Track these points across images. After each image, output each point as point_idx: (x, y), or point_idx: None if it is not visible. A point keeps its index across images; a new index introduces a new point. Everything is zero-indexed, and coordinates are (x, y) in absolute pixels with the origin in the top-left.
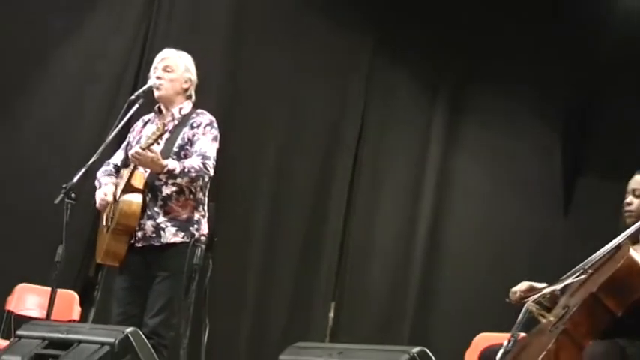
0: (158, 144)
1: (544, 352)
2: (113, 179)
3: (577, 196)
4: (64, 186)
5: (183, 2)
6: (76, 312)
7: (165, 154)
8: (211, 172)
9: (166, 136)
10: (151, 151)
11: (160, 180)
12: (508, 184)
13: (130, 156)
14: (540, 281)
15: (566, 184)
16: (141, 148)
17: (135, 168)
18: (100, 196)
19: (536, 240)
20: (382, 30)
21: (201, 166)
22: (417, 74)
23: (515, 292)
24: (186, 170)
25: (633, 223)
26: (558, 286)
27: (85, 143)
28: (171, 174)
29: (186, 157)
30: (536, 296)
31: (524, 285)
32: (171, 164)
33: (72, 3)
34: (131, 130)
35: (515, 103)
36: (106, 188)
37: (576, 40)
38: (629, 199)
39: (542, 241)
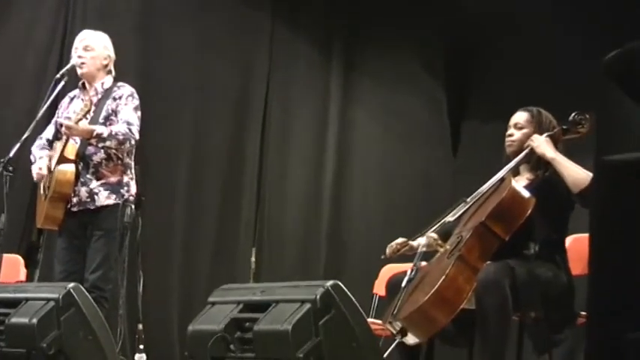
0: (87, 118)
1: (443, 276)
2: (46, 152)
3: (463, 140)
4: (1, 160)
5: None
6: (22, 274)
7: (93, 125)
8: (137, 136)
9: (92, 109)
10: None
11: (90, 149)
12: (401, 133)
13: (62, 130)
14: (432, 214)
15: (452, 129)
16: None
17: (67, 140)
18: (35, 170)
19: (429, 181)
20: None
21: (127, 130)
22: (313, 38)
23: (392, 246)
24: (113, 133)
25: (514, 152)
26: (451, 218)
27: (16, 120)
28: (100, 137)
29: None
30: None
31: (399, 240)
32: (99, 129)
33: None
34: (59, 106)
35: (402, 60)
36: (40, 162)
37: None
38: (511, 131)
39: (434, 182)
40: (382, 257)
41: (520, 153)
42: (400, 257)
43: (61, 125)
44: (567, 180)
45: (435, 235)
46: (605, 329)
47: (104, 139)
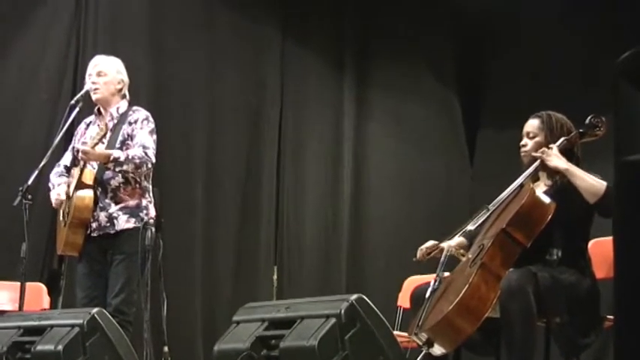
0: (103, 143)
1: (467, 285)
2: (64, 179)
3: (479, 147)
4: (20, 189)
5: (106, 12)
6: (46, 301)
7: (109, 150)
8: (153, 159)
9: (108, 134)
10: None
11: (108, 174)
12: (417, 144)
13: (78, 157)
14: (452, 224)
15: (468, 137)
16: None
17: (84, 166)
18: (54, 197)
19: (447, 191)
20: (288, 13)
21: (143, 154)
22: (323, 52)
23: (422, 249)
24: (130, 157)
25: (529, 162)
26: (472, 227)
27: (32, 148)
28: (117, 161)
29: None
30: (453, 243)
31: (429, 243)
32: (116, 153)
33: (4, 18)
34: (75, 132)
35: (414, 70)
36: (59, 189)
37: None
38: (524, 140)
39: (452, 192)
40: (414, 259)
41: (536, 161)
42: (425, 265)
43: (78, 151)
44: (582, 191)
45: (455, 243)
46: (633, 331)
47: (121, 164)
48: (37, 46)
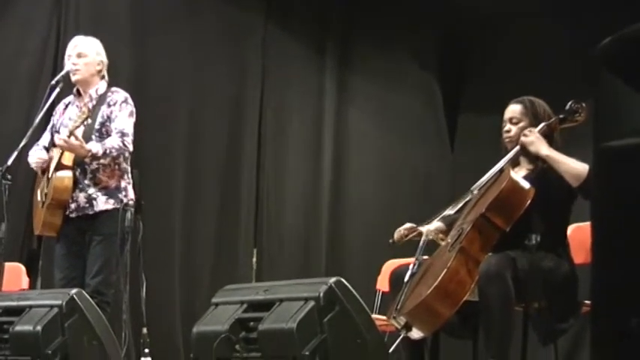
0: (84, 126)
1: (445, 269)
2: (44, 152)
3: (460, 134)
4: None
5: None
6: (25, 282)
7: (88, 132)
8: (130, 148)
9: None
10: (76, 137)
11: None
12: (398, 130)
13: (56, 143)
14: (432, 210)
15: (449, 124)
16: (69, 130)
17: None
18: (34, 159)
19: (427, 177)
20: None
21: (121, 144)
22: (306, 38)
23: (400, 231)
24: (107, 152)
25: (514, 148)
26: (452, 211)
27: (12, 128)
28: (94, 156)
29: (107, 132)
30: (432, 227)
31: (407, 225)
32: (94, 148)
33: None
34: (54, 112)
35: (396, 57)
36: (38, 152)
37: None
38: (508, 126)
39: (433, 178)
40: (390, 242)
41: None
42: (404, 249)
43: (58, 132)
44: (565, 175)
45: (434, 227)
46: (609, 316)
47: (98, 158)
48: (18, 27)
